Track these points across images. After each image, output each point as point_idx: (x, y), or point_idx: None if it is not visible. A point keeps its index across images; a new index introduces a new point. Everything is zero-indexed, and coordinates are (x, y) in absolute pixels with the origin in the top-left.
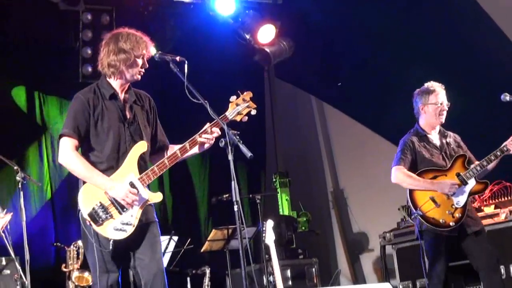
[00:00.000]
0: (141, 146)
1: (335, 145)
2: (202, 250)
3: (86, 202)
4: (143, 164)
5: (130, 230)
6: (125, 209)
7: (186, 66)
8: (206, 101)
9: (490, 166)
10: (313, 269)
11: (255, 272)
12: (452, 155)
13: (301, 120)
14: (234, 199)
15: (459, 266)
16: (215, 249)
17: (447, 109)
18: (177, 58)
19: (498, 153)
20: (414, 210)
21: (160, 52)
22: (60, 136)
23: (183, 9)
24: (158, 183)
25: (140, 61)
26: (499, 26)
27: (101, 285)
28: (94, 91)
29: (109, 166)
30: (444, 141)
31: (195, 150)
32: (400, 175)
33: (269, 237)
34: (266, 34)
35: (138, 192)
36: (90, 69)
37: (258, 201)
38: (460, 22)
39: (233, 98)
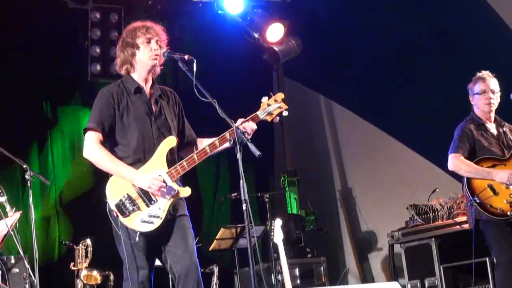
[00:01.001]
0: (170, 141)
1: (344, 144)
2: (210, 249)
3: (114, 193)
4: (171, 158)
5: (157, 222)
6: (152, 202)
7: (194, 64)
8: (214, 100)
9: None
10: (321, 268)
11: (263, 271)
12: (509, 145)
13: (310, 119)
14: (242, 198)
15: (468, 266)
16: (223, 247)
17: (495, 97)
18: (186, 57)
19: None
20: (470, 197)
21: (168, 50)
22: (85, 131)
23: (191, 8)
24: None
25: (145, 46)
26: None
27: (132, 280)
28: (119, 86)
29: (137, 160)
30: (501, 130)
31: (225, 146)
32: (457, 163)
33: (278, 236)
34: (275, 32)
35: (166, 185)
36: (98, 67)
37: (266, 199)
38: (470, 19)
39: (264, 99)
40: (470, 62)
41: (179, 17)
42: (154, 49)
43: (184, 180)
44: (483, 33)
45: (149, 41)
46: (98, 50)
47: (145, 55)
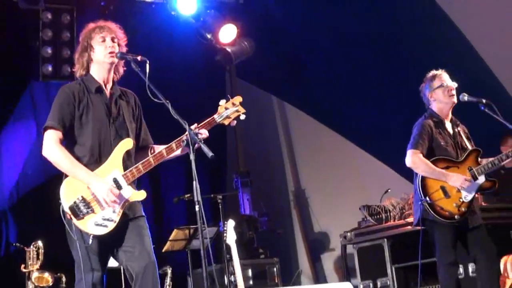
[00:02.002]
0: (127, 143)
1: (297, 145)
2: (163, 250)
3: (68, 195)
4: (128, 161)
5: (111, 226)
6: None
7: (147, 65)
8: (167, 101)
9: (502, 164)
10: (274, 269)
11: (216, 272)
12: (462, 146)
13: (263, 120)
14: (195, 199)
15: (417, 265)
16: (177, 249)
17: (455, 88)
18: (139, 58)
19: (510, 154)
20: (422, 197)
21: (121, 51)
22: (45, 129)
23: (144, 9)
24: None
25: (100, 46)
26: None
27: (84, 283)
28: (80, 84)
29: (93, 160)
30: (456, 130)
31: (181, 150)
32: (416, 160)
33: (230, 237)
34: (228, 33)
35: (121, 188)
36: (50, 68)
37: (219, 201)
38: (420, 20)
39: (222, 102)
40: (420, 62)
41: (131, 18)
42: (109, 47)
43: (139, 180)
44: (431, 32)
45: (103, 40)
46: (49, 51)
47: (100, 54)
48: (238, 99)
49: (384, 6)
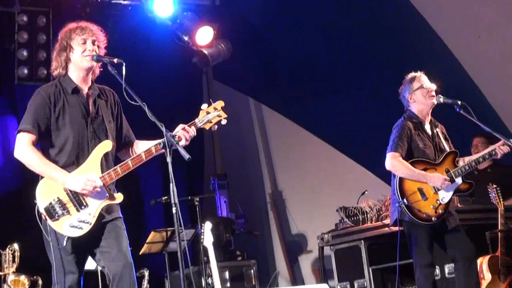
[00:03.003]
0: (106, 145)
1: (274, 147)
2: (140, 253)
3: (44, 196)
4: (106, 163)
5: (86, 228)
6: (83, 206)
7: (124, 68)
8: (144, 103)
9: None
10: (252, 271)
11: (193, 274)
12: (441, 147)
13: (240, 122)
14: (172, 201)
15: (394, 267)
16: (154, 251)
17: (434, 89)
18: (115, 60)
19: (487, 156)
20: (399, 199)
21: (98, 54)
22: (18, 132)
23: (121, 11)
24: None
25: (80, 47)
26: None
27: (60, 285)
28: (56, 85)
29: (70, 162)
30: (434, 131)
31: (161, 153)
32: (396, 163)
33: (208, 239)
34: (204, 36)
35: (99, 187)
36: (26, 71)
37: (196, 203)
38: (397, 23)
39: (204, 106)
40: (398, 64)
41: (108, 20)
42: (89, 50)
43: (116, 182)
44: (407, 34)
45: (84, 42)
46: (25, 54)
47: (79, 56)
48: (220, 104)
49: (360, 9)
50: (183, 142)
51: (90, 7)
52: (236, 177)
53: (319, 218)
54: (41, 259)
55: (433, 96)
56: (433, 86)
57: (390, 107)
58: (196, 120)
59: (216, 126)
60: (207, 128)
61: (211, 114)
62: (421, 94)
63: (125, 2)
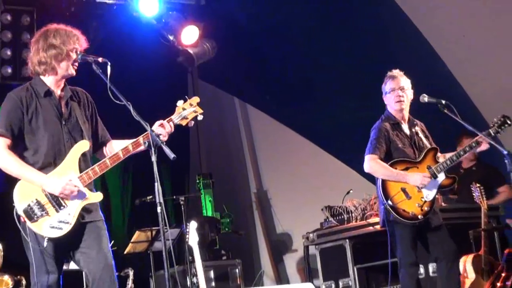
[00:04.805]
0: (83, 145)
1: (259, 146)
2: (125, 252)
3: (22, 198)
4: (84, 163)
5: (66, 228)
6: (62, 207)
7: (109, 67)
8: (129, 103)
9: (460, 160)
10: (237, 270)
11: (178, 273)
12: (420, 146)
13: (225, 121)
14: (157, 201)
15: (380, 266)
16: (139, 250)
17: (404, 94)
18: (100, 59)
19: (467, 149)
20: (384, 201)
21: (83, 53)
22: None
23: (106, 10)
24: None
25: (73, 55)
26: (419, 29)
27: (40, 285)
28: (27, 89)
29: (46, 164)
30: (413, 130)
31: (139, 150)
32: (374, 165)
33: (193, 239)
34: (190, 35)
35: (78, 189)
36: (10, 70)
37: (181, 202)
38: (381, 23)
39: (180, 103)
40: (382, 62)
41: (93, 19)
42: (76, 61)
43: (101, 181)
44: (390, 32)
45: (76, 51)
46: (9, 53)
47: (67, 63)
48: (195, 99)
49: (345, 10)
50: (161, 138)
51: (75, 6)
52: (221, 177)
53: (304, 217)
54: (25, 259)
55: (401, 101)
56: (404, 91)
57: (375, 106)
58: (173, 117)
59: (192, 122)
60: (184, 124)
61: (187, 110)
62: (389, 98)
63: (110, 1)
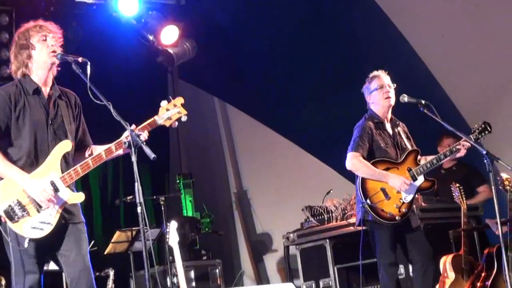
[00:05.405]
0: (65, 145)
1: (239, 146)
2: (105, 252)
3: (3, 199)
4: (66, 163)
5: (48, 229)
6: (43, 208)
7: (88, 67)
8: (109, 103)
9: (440, 163)
10: (217, 270)
11: (159, 273)
12: (402, 146)
13: (205, 121)
14: (137, 201)
15: (359, 266)
16: (119, 251)
17: (392, 90)
18: (80, 59)
19: (448, 153)
20: (362, 200)
21: (62, 53)
22: None
23: (85, 10)
24: None
25: (43, 45)
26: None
27: (20, 286)
28: (16, 86)
29: (29, 163)
30: (396, 130)
31: (120, 151)
32: (356, 163)
33: (173, 239)
34: (169, 35)
35: (58, 191)
36: None
37: (162, 202)
38: (361, 22)
39: (164, 103)
40: (361, 62)
41: (72, 19)
42: (52, 45)
43: (80, 181)
44: (370, 31)
45: (45, 39)
46: None
47: (43, 53)
48: (179, 100)
49: (323, 7)
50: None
51: (54, 5)
52: (201, 176)
53: (284, 217)
54: (5, 259)
55: (390, 97)
56: (391, 88)
57: (355, 106)
58: (156, 117)
59: (176, 123)
60: (167, 125)
61: (171, 111)
62: (377, 95)
63: (90, 1)
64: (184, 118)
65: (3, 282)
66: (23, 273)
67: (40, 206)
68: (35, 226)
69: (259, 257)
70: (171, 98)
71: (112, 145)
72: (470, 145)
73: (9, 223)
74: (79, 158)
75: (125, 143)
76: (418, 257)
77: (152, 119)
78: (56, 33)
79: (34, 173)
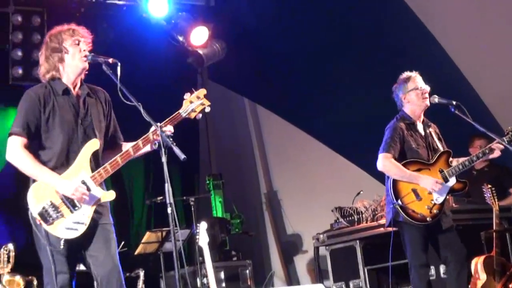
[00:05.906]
0: (93, 144)
1: (269, 146)
2: (136, 253)
3: (36, 201)
4: (95, 162)
5: (82, 229)
6: (76, 208)
7: (119, 68)
8: (139, 103)
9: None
10: (247, 271)
11: (189, 274)
12: (434, 147)
13: (235, 122)
14: (167, 201)
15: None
16: (149, 251)
17: (428, 91)
18: (110, 60)
19: (480, 155)
20: (394, 200)
21: (93, 54)
22: (9, 135)
23: (115, 11)
24: None
25: (75, 49)
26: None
27: (50, 286)
28: (46, 87)
29: (60, 164)
30: (427, 131)
31: (148, 148)
32: (388, 164)
33: (203, 239)
34: (199, 36)
35: (90, 190)
36: (20, 71)
37: (192, 203)
38: (391, 23)
39: (187, 96)
40: (393, 65)
41: (103, 20)
42: (84, 50)
43: (111, 182)
44: (402, 35)
45: (78, 43)
46: (20, 54)
47: (75, 58)
48: (202, 92)
49: (355, 9)
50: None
51: (84, 7)
52: (232, 177)
53: (314, 218)
54: (36, 259)
55: (427, 98)
56: (427, 88)
57: (386, 107)
58: (180, 111)
59: (200, 115)
60: (192, 117)
61: (195, 103)
62: (415, 95)
63: (120, 2)
64: (207, 109)
65: (35, 282)
66: (56, 274)
67: (73, 207)
68: (69, 226)
69: (289, 258)
70: (193, 90)
71: (139, 141)
72: (503, 147)
73: (44, 225)
74: (111, 156)
75: (155, 143)
76: (452, 258)
77: (177, 112)
78: (88, 38)
79: (65, 174)
